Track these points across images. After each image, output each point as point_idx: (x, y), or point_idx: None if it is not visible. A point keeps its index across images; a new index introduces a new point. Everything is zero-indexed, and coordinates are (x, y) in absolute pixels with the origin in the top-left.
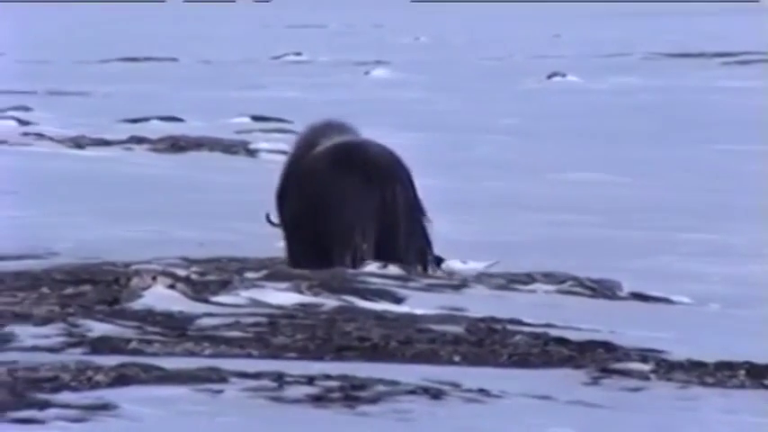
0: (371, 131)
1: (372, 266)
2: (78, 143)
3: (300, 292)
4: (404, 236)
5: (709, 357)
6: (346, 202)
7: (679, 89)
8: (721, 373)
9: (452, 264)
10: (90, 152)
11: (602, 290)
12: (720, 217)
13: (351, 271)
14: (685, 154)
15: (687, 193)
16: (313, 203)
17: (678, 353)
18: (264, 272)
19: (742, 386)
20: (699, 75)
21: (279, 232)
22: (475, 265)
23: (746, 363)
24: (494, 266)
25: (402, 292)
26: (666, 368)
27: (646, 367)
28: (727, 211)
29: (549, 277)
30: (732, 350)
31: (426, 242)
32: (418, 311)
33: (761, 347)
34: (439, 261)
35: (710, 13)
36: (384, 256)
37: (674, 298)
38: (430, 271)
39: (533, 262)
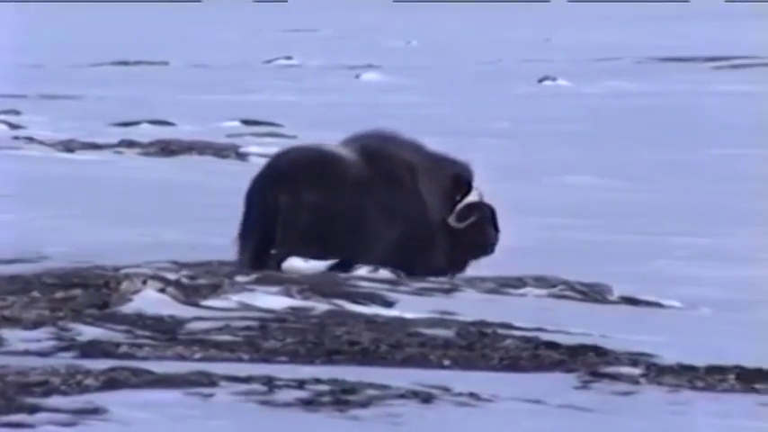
0: None
1: (363, 270)
2: (69, 147)
3: (291, 295)
4: (278, 244)
5: (700, 361)
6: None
7: (671, 93)
8: (711, 377)
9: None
10: (81, 156)
11: (593, 294)
12: (714, 221)
13: (342, 275)
14: (679, 158)
15: (681, 196)
16: None
17: (669, 357)
18: (255, 276)
19: (732, 390)
20: (691, 79)
21: None
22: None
23: (737, 367)
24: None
25: (392, 295)
26: (657, 372)
27: (636, 371)
28: (721, 215)
29: (541, 281)
30: (722, 354)
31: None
32: (408, 315)
33: (751, 351)
34: (280, 260)
35: (702, 17)
36: (262, 263)
37: (666, 302)
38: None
39: (525, 266)
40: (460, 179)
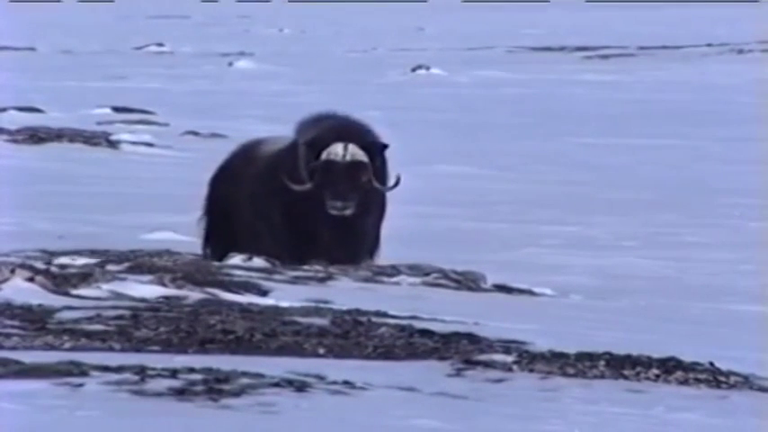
0: (236, 123)
1: (237, 259)
2: None
3: (164, 284)
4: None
5: (570, 348)
6: None
7: (541, 83)
8: (582, 364)
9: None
10: None
11: (467, 282)
12: (582, 210)
13: (216, 263)
14: (548, 147)
15: (550, 185)
16: None
17: (540, 344)
18: (126, 264)
19: (602, 376)
20: (560, 69)
21: (138, 225)
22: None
23: (606, 353)
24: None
25: (267, 284)
26: (529, 359)
27: (508, 358)
28: (589, 204)
29: (414, 269)
30: (592, 341)
31: None
32: (283, 304)
33: (620, 338)
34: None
35: (572, 7)
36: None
37: (537, 290)
38: None
39: (398, 254)
40: (310, 146)
